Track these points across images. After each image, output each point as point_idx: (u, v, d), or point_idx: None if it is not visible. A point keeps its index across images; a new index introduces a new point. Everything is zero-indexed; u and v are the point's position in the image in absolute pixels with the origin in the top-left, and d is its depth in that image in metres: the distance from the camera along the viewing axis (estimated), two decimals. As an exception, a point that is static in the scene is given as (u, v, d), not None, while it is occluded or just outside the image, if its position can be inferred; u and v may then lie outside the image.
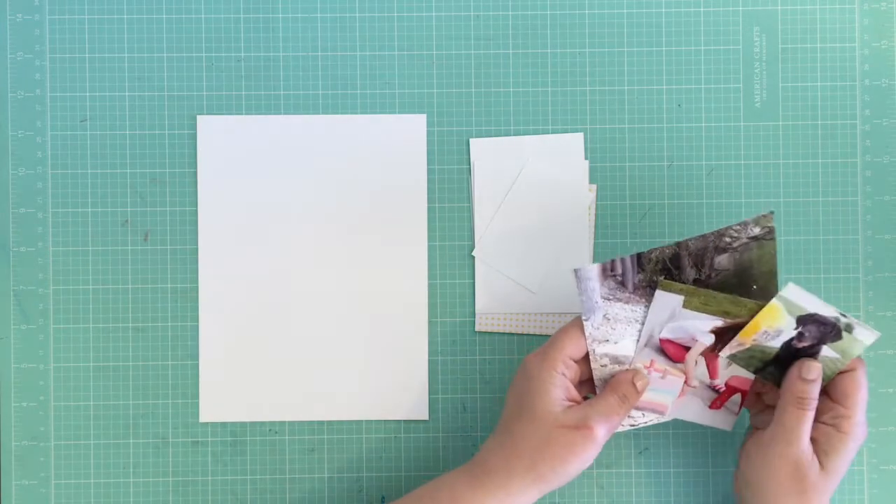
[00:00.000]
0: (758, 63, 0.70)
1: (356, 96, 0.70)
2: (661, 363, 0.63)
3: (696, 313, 0.62)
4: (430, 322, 0.69)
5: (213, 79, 0.70)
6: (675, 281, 0.62)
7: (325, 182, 0.69)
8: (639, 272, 0.62)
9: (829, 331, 0.61)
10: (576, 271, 0.61)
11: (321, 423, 0.69)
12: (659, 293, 0.62)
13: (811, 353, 0.62)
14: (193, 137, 0.70)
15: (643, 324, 0.63)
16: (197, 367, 0.69)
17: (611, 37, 0.70)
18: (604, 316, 0.62)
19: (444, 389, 0.70)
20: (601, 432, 0.60)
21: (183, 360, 0.69)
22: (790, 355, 0.62)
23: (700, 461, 0.69)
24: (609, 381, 0.63)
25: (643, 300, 0.62)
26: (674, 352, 0.63)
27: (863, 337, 0.61)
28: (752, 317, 0.61)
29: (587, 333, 0.62)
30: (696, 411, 0.64)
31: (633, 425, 0.64)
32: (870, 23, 0.70)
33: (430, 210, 0.70)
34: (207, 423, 0.69)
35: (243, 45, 0.70)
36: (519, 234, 0.69)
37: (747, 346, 0.62)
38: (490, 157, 0.70)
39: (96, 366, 0.69)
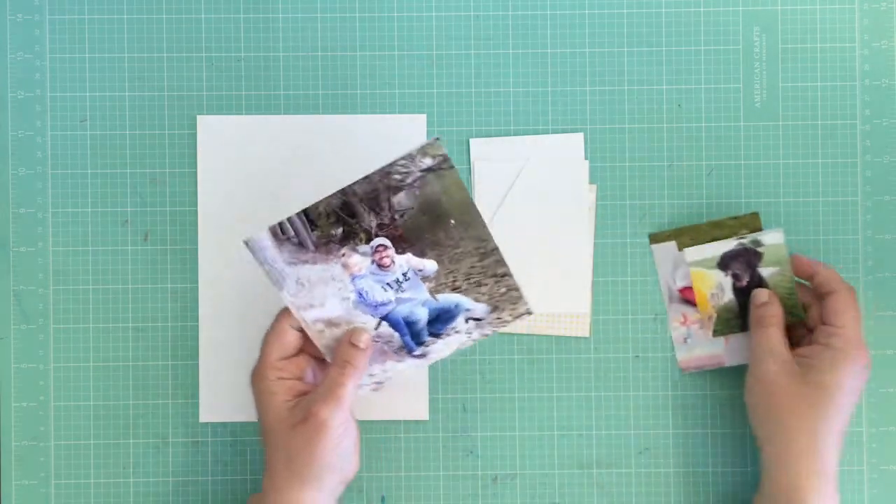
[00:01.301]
0: (758, 63, 0.70)
1: (356, 96, 0.70)
2: (682, 310, 0.69)
3: (692, 249, 0.67)
4: (430, 322, 0.69)
5: (213, 79, 0.70)
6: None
7: (325, 182, 0.69)
8: (313, 229, 0.61)
9: (748, 256, 0.66)
10: (246, 243, 0.61)
11: (321, 423, 0.69)
12: (654, 248, 0.68)
13: (758, 283, 0.67)
14: (193, 137, 0.70)
15: (343, 281, 0.62)
16: (197, 367, 0.69)
17: (611, 37, 0.70)
18: (297, 282, 0.61)
19: (444, 389, 0.69)
20: (327, 413, 0.59)
21: (183, 360, 0.69)
22: (746, 296, 0.67)
23: (700, 461, 0.69)
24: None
25: (331, 257, 0.61)
26: (691, 296, 0.68)
27: (773, 240, 0.66)
28: (740, 226, 0.68)
29: (288, 303, 0.61)
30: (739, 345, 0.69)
31: (378, 383, 0.64)
32: (870, 23, 0.70)
33: (430, 210, 0.70)
34: (207, 423, 0.69)
35: (243, 45, 0.70)
36: (519, 234, 0.69)
37: (714, 315, 0.68)
38: (490, 157, 0.70)
39: (96, 366, 0.69)
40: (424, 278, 0.62)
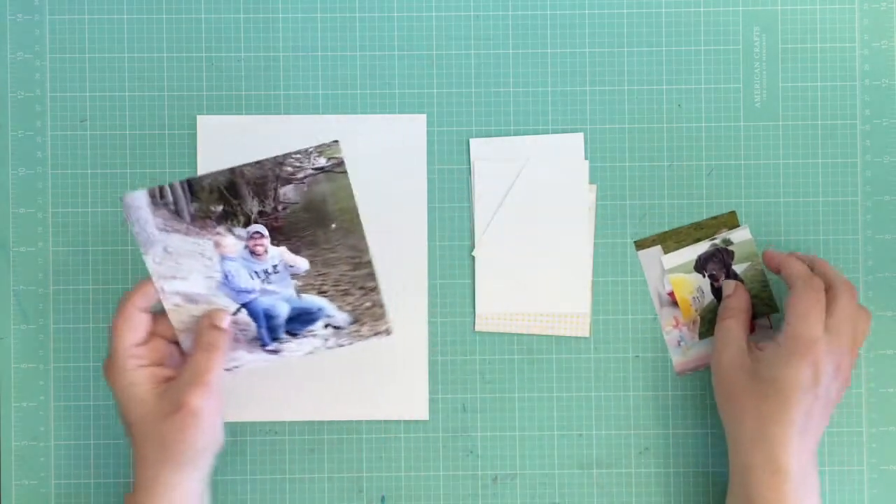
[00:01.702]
0: (758, 63, 0.70)
1: (356, 96, 0.70)
2: (673, 313, 0.69)
3: (668, 256, 0.68)
4: (429, 322, 0.69)
5: (213, 79, 0.70)
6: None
7: (324, 182, 0.69)
8: (193, 201, 0.60)
9: (721, 256, 0.68)
10: (122, 198, 0.60)
11: (321, 423, 0.69)
12: (640, 254, 0.68)
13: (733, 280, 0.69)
14: (193, 137, 0.70)
15: (213, 259, 0.61)
16: (197, 367, 0.69)
17: (611, 37, 0.70)
18: (164, 249, 0.60)
19: (444, 389, 0.70)
20: (199, 402, 0.58)
21: (183, 360, 0.69)
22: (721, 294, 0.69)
23: (700, 461, 0.70)
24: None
25: (205, 232, 0.60)
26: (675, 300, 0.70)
27: (742, 237, 0.68)
28: (720, 225, 0.69)
29: (151, 270, 0.60)
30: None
31: (236, 366, 0.64)
32: (870, 23, 0.70)
33: (430, 210, 0.70)
34: (207, 423, 0.69)
35: (243, 45, 0.70)
36: (519, 234, 0.69)
37: (697, 318, 0.69)
38: (490, 157, 0.70)
39: (96, 366, 0.69)
40: (294, 275, 0.62)
